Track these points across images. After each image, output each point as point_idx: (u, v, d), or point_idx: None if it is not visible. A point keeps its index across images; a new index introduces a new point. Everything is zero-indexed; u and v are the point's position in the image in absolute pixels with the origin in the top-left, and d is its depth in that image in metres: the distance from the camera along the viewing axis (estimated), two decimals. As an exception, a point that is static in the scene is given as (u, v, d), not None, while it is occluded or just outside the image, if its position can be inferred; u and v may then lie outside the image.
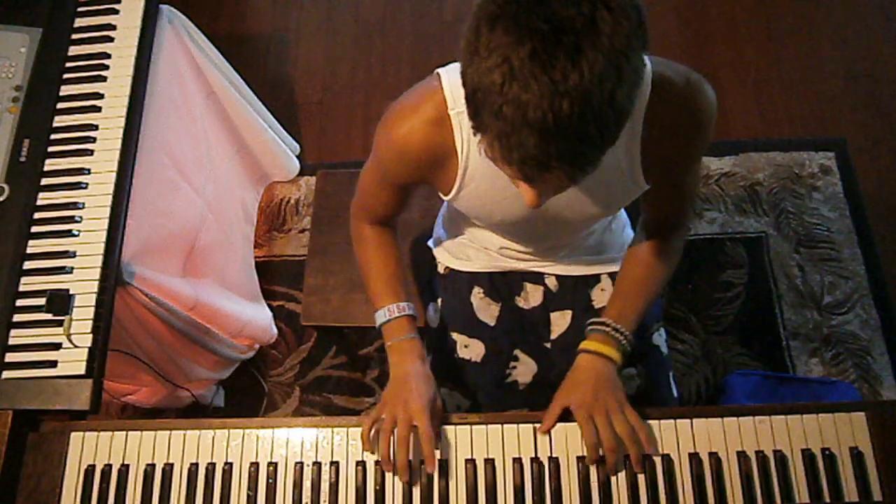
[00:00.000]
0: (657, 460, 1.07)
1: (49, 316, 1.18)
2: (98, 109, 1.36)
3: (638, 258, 1.20)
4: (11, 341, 1.18)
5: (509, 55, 0.69)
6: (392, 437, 1.04)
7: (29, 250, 1.24)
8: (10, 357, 1.17)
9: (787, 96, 2.30)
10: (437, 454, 1.06)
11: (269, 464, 1.10)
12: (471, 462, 1.09)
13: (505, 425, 1.10)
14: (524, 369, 1.32)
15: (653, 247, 1.18)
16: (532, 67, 0.68)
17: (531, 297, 1.34)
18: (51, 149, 1.32)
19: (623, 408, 1.06)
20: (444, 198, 1.09)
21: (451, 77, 0.98)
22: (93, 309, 1.19)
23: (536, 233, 1.19)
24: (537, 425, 1.10)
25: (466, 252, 1.34)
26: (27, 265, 1.23)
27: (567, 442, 1.09)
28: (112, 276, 1.23)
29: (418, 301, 1.45)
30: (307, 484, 1.08)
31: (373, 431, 1.07)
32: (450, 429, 1.11)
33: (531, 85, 0.68)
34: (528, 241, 1.24)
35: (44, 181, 1.29)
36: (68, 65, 1.40)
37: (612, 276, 1.33)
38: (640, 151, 0.99)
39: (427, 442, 1.02)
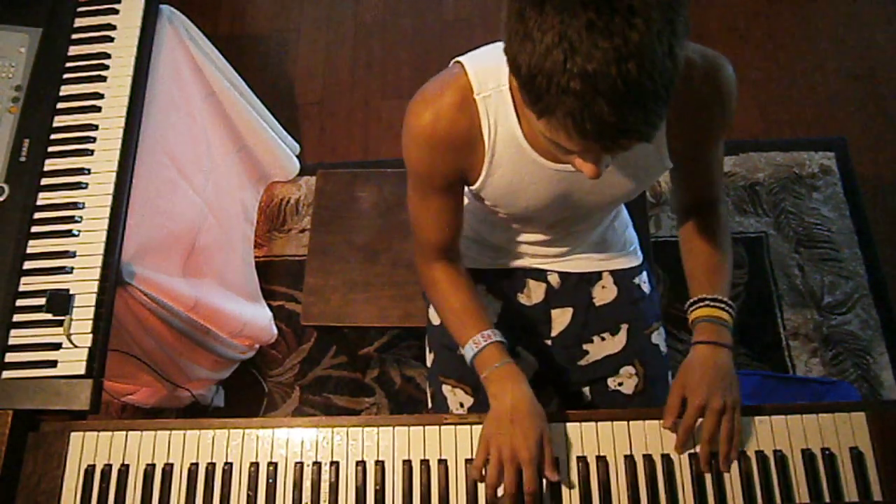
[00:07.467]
0: (657, 460, 1.08)
1: (49, 316, 1.18)
2: (98, 109, 1.35)
3: (700, 247, 1.17)
4: (11, 341, 1.18)
5: (566, 31, 0.69)
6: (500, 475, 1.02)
7: (29, 250, 1.24)
8: (10, 357, 1.17)
9: (787, 96, 2.30)
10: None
11: (269, 464, 1.10)
12: (471, 462, 1.08)
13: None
14: (525, 366, 1.32)
15: (707, 230, 1.17)
16: (592, 37, 0.68)
17: (533, 293, 1.34)
18: (51, 149, 1.32)
19: (735, 410, 1.05)
20: (471, 188, 1.08)
21: (474, 63, 0.98)
22: (93, 309, 1.19)
23: (558, 219, 1.18)
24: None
25: (469, 250, 1.34)
26: (27, 265, 1.23)
27: (567, 442, 1.09)
28: (112, 276, 1.23)
29: (421, 299, 1.45)
30: (307, 484, 1.08)
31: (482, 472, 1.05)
32: (449, 429, 1.11)
33: (594, 55, 0.68)
34: (547, 229, 1.24)
35: (44, 181, 1.29)
36: (68, 65, 1.40)
37: (613, 273, 1.34)
38: (665, 130, 1.00)
39: (530, 495, 1.01)
